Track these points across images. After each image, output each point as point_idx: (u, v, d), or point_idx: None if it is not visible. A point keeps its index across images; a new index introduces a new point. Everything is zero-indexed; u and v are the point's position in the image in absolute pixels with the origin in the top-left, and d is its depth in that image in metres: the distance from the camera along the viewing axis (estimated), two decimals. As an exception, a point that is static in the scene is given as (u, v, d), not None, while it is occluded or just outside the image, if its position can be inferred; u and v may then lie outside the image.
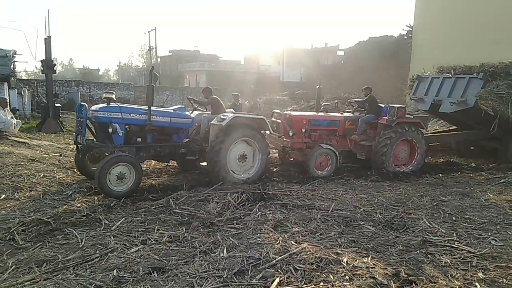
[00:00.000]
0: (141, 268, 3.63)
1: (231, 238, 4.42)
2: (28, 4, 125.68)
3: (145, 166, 8.05)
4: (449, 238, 4.54)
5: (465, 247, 4.28)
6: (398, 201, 6.15)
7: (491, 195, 6.58)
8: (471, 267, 3.79)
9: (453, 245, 4.32)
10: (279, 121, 8.75)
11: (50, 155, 8.81)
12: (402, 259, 3.94)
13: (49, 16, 13.13)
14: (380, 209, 5.68)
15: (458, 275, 3.59)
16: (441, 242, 4.43)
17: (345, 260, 3.71)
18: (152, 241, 4.37)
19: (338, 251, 3.95)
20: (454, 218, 5.34)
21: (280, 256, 3.80)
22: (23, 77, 36.78)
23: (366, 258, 3.82)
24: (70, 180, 6.99)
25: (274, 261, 3.69)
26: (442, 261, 3.89)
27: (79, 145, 6.83)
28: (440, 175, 8.36)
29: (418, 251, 4.16)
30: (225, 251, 4.03)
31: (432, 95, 10.11)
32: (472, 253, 4.11)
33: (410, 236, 4.63)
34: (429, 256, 4.04)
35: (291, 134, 8.27)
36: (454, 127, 11.23)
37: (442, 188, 7.18)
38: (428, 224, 5.03)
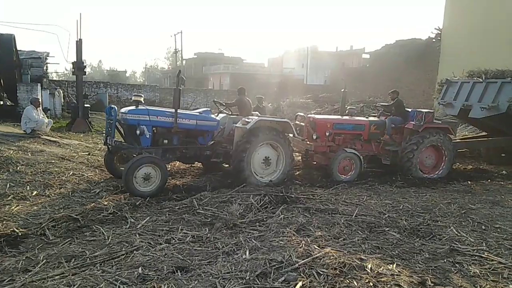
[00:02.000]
0: (165, 266, 3.69)
1: (253, 240, 4.43)
2: (61, 7, 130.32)
3: (169, 166, 8.18)
4: (478, 248, 4.40)
5: (495, 257, 4.13)
6: (424, 208, 6.01)
7: (523, 204, 6.33)
8: (502, 279, 3.66)
9: (483, 255, 4.18)
10: (303, 124, 8.72)
11: (79, 154, 9.10)
12: (429, 267, 3.85)
13: (81, 19, 13.56)
14: (405, 216, 5.56)
15: (488, 286, 3.47)
16: (469, 251, 4.30)
17: (369, 266, 3.65)
18: (176, 241, 4.43)
19: (362, 257, 3.89)
20: (483, 227, 5.17)
21: (303, 260, 3.78)
22: (54, 78, 38.13)
23: (391, 265, 3.75)
24: (98, 178, 7.19)
25: (296, 265, 3.68)
26: (470, 271, 3.77)
27: (109, 146, 7.02)
28: (469, 182, 8.10)
29: (445, 260, 4.05)
30: (247, 253, 4.05)
31: (462, 100, 9.84)
32: (503, 264, 3.96)
33: (436, 244, 4.51)
34: (456, 265, 3.93)
35: (314, 137, 8.22)
36: (484, 133, 10.88)
37: (471, 195, 6.97)
38: (456, 233, 4.88)
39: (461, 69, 11.05)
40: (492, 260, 4.06)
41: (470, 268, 3.84)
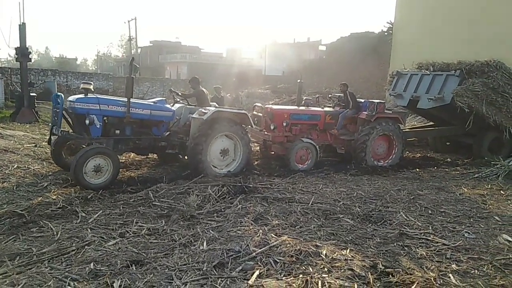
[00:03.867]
0: (119, 261, 3.58)
1: (211, 231, 4.40)
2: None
3: (124, 158, 7.91)
4: (425, 231, 4.66)
5: (440, 239, 4.40)
6: (376, 194, 6.26)
7: (465, 190, 6.78)
8: (446, 259, 3.90)
9: (429, 238, 4.44)
10: (261, 114, 8.75)
11: (25, 145, 8.54)
12: (380, 251, 4.02)
13: (24, 2, 12.67)
14: (359, 203, 5.76)
15: (433, 267, 3.68)
16: (417, 235, 4.54)
17: (324, 252, 3.75)
18: (130, 234, 4.30)
19: (318, 244, 3.99)
20: (430, 212, 5.48)
21: (260, 248, 3.81)
22: (-4, 65, 35.53)
23: (345, 251, 3.88)
24: (46, 171, 6.80)
25: (254, 254, 3.71)
26: (418, 254, 3.99)
27: (54, 136, 6.64)
28: (417, 169, 8.55)
29: (395, 244, 4.24)
30: (205, 244, 4.02)
31: (411, 91, 10.30)
32: (447, 246, 4.23)
33: (387, 229, 4.72)
34: (405, 248, 4.13)
35: (272, 127, 8.27)
36: (431, 123, 11.49)
37: (419, 182, 7.35)
38: (405, 217, 5.14)
39: (411, 62, 11.54)
40: (437, 242, 4.32)
41: (418, 250, 4.06)
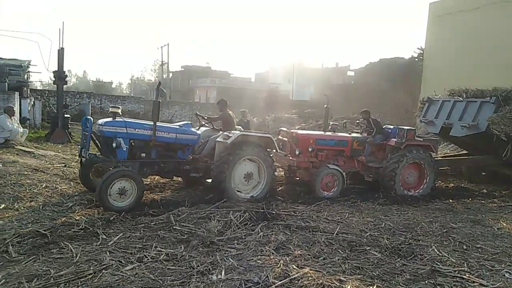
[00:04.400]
0: (134, 287, 3.48)
1: (230, 259, 4.26)
2: (45, 16, 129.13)
3: (149, 180, 7.95)
4: (460, 269, 4.31)
5: (477, 279, 4.05)
6: (406, 226, 5.93)
7: (504, 224, 6.33)
8: (483, 302, 3.57)
9: (464, 276, 4.10)
10: (286, 139, 8.64)
11: (55, 165, 8.78)
12: (409, 289, 3.74)
13: (63, 27, 13.38)
14: (387, 234, 5.46)
15: (469, 310, 3.37)
16: (451, 272, 4.21)
17: (348, 288, 3.52)
18: (148, 259, 4.22)
19: (342, 278, 3.76)
20: (465, 247, 5.10)
21: (280, 281, 3.63)
22: (38, 87, 37.39)
23: (371, 287, 3.62)
24: (72, 191, 6.91)
25: (273, 286, 3.53)
26: (452, 294, 3.68)
27: (83, 158, 6.78)
28: (450, 200, 8.10)
29: (426, 281, 3.95)
30: (223, 272, 3.87)
31: (443, 118, 9.94)
32: (485, 286, 3.89)
33: (418, 265, 4.41)
34: (438, 287, 3.83)
35: (297, 153, 8.13)
36: (465, 152, 10.99)
37: (452, 214, 6.94)
38: (438, 252, 4.80)
39: (442, 88, 11.21)
40: (474, 282, 3.98)
41: (451, 290, 3.75)
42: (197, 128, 7.88)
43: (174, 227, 5.26)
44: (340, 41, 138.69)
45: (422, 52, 22.36)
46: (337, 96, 27.42)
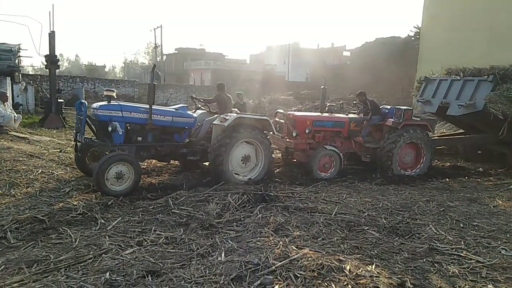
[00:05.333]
0: (135, 271, 3.49)
1: (230, 241, 4.27)
2: None
3: (145, 164, 7.91)
4: (457, 246, 4.37)
5: (474, 256, 4.11)
6: (403, 205, 5.97)
7: (500, 202, 6.39)
8: (481, 278, 3.62)
9: (461, 254, 4.15)
10: (283, 121, 8.59)
11: (50, 151, 8.70)
12: (408, 267, 3.78)
13: (54, 10, 13.04)
14: (385, 214, 5.50)
15: (467, 286, 3.43)
16: (448, 250, 4.26)
17: (347, 267, 3.54)
18: (148, 243, 4.23)
19: (341, 258, 3.78)
20: (461, 225, 5.16)
21: (280, 262, 3.65)
22: (30, 72, 36.85)
23: (370, 266, 3.66)
24: (69, 177, 6.86)
25: (273, 267, 3.54)
26: (449, 271, 3.72)
27: (78, 143, 6.71)
28: (447, 179, 8.16)
29: (424, 260, 3.99)
30: (223, 254, 3.89)
31: (440, 98, 9.90)
32: (481, 263, 3.93)
33: (416, 243, 4.45)
34: (436, 265, 3.87)
35: (294, 134, 8.10)
36: (462, 131, 11.01)
37: (449, 193, 6.99)
38: (435, 231, 4.85)
39: (438, 67, 11.12)
40: (471, 259, 4.03)
41: (449, 268, 3.79)
42: (193, 111, 7.79)
43: (172, 210, 5.26)
44: (335, 20, 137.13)
45: (418, 31, 22.08)
46: (333, 77, 27.31)
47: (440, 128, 12.45)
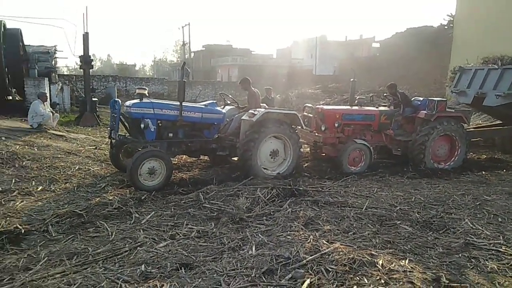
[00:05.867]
0: (168, 263, 3.59)
1: (260, 235, 4.31)
2: (68, 1, 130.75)
3: (176, 160, 8.08)
4: (495, 242, 4.21)
5: (514, 252, 3.95)
6: (437, 199, 5.81)
7: (542, 195, 6.08)
8: (521, 275, 3.47)
9: (500, 249, 4.00)
10: (311, 115, 8.53)
11: (86, 148, 9.05)
12: (443, 262, 3.68)
13: (87, 12, 13.48)
14: (417, 208, 5.37)
15: (507, 283, 3.30)
16: (486, 245, 4.11)
17: (380, 262, 3.49)
18: (180, 236, 4.33)
19: (373, 253, 3.74)
20: (500, 220, 4.96)
21: (311, 256, 3.64)
22: (65, 73, 38.29)
23: (403, 261, 3.59)
24: (104, 172, 7.13)
25: (304, 261, 3.54)
26: (487, 267, 3.60)
27: (113, 140, 6.94)
28: (483, 172, 7.85)
29: (460, 255, 3.87)
30: (253, 248, 3.93)
31: (476, 88, 9.53)
32: (522, 259, 3.78)
33: (451, 238, 4.33)
34: (472, 260, 3.76)
35: (323, 128, 8.03)
36: (499, 122, 10.55)
37: (486, 186, 6.74)
38: (471, 225, 4.70)
39: (474, 56, 10.70)
40: (510, 255, 3.87)
41: (487, 263, 3.67)
42: (222, 107, 7.88)
43: (203, 204, 5.35)
44: (364, 11, 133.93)
45: (452, 19, 21.28)
46: (362, 70, 26.73)
47: (475, 120, 11.99)
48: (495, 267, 3.59)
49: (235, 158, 7.45)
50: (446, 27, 24.42)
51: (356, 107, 8.86)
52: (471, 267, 3.60)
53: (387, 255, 3.73)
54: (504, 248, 4.02)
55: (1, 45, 13.38)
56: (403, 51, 26.65)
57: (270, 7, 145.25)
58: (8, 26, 14.32)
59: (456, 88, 10.27)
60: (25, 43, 15.46)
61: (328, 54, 48.02)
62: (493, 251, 3.96)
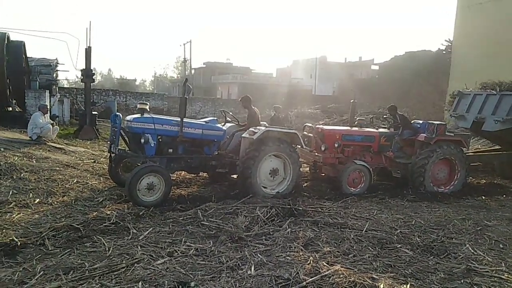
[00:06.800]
0: (166, 281, 3.53)
1: (259, 255, 4.24)
2: (71, 15, 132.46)
3: (175, 176, 8.04)
4: (497, 268, 4.16)
5: (516, 279, 3.90)
6: (437, 223, 5.77)
7: (542, 222, 6.06)
8: (524, 303, 3.43)
9: (502, 277, 3.95)
10: (311, 135, 8.55)
11: (85, 161, 9.00)
12: (445, 288, 3.63)
13: (90, 27, 13.65)
14: (418, 232, 5.33)
15: (510, 311, 3.24)
16: (488, 272, 4.07)
17: (381, 286, 3.45)
18: (178, 254, 4.26)
19: (374, 276, 3.69)
20: (501, 246, 4.93)
21: (311, 277, 3.59)
22: (65, 86, 38.48)
23: (405, 286, 3.55)
24: (102, 186, 7.07)
25: (304, 283, 3.50)
26: (490, 294, 3.55)
27: (112, 154, 6.91)
28: (483, 197, 7.83)
29: (462, 281, 3.83)
30: (253, 268, 3.87)
31: (475, 112, 9.61)
32: (525, 287, 3.73)
33: (452, 263, 4.28)
34: (474, 287, 3.71)
35: (323, 148, 8.04)
36: (498, 147, 10.60)
37: (486, 211, 6.71)
38: (472, 251, 4.65)
39: (472, 81, 10.84)
40: (513, 282, 3.83)
41: (490, 290, 3.62)
42: (223, 124, 7.89)
43: (202, 222, 5.29)
44: (363, 34, 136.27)
45: (450, 44, 21.66)
46: (361, 91, 27.02)
47: (474, 144, 12.05)
48: (498, 294, 3.54)
49: (235, 176, 7.42)
50: (444, 52, 24.84)
51: (356, 128, 8.90)
52: (473, 294, 3.55)
53: (388, 279, 3.68)
54: (506, 276, 3.98)
55: (4, 57, 13.46)
56: (402, 74, 27.01)
57: (270, 27, 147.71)
58: (11, 38, 14.44)
59: (455, 112, 10.36)
60: (28, 55, 15.56)
61: (327, 74, 48.64)
62: (495, 278, 3.92)
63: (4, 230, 4.57)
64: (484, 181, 9.81)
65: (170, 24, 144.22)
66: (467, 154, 9.08)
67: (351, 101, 9.66)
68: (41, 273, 3.60)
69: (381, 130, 9.05)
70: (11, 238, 4.31)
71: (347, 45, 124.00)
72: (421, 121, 8.84)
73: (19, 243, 4.24)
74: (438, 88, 21.72)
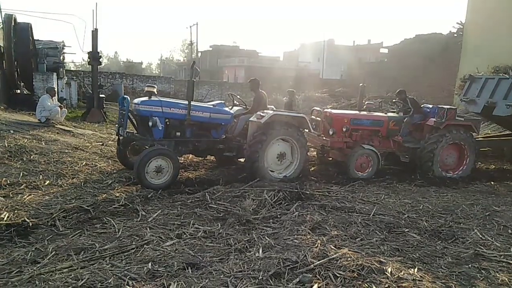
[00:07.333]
0: (175, 262, 3.58)
1: (267, 238, 4.28)
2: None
3: (182, 159, 8.07)
4: (506, 253, 4.15)
5: (525, 264, 3.89)
6: (445, 208, 5.75)
7: (552, 208, 6.01)
8: (532, 288, 3.42)
9: (510, 261, 3.94)
10: (319, 119, 8.49)
11: (93, 144, 9.07)
12: (452, 272, 3.64)
13: (97, 9, 13.55)
14: (426, 216, 5.32)
15: (518, 296, 3.25)
16: (496, 257, 4.06)
17: (389, 270, 3.46)
18: (187, 236, 4.31)
19: (381, 260, 3.70)
20: (510, 231, 4.90)
21: (319, 260, 3.61)
22: (72, 68, 38.49)
23: (412, 269, 3.55)
24: (110, 169, 7.13)
25: (312, 266, 3.51)
26: (498, 279, 3.55)
27: (120, 137, 6.94)
28: (492, 182, 7.78)
29: (470, 265, 3.83)
30: (260, 251, 3.90)
31: (486, 97, 9.44)
32: (533, 272, 3.72)
33: (460, 248, 4.28)
34: (482, 271, 3.71)
35: (331, 132, 7.99)
36: (508, 132, 10.46)
37: (495, 197, 6.67)
38: (480, 236, 4.64)
39: (483, 65, 10.64)
40: (521, 268, 3.82)
41: (498, 275, 3.62)
42: (230, 107, 7.87)
43: (210, 205, 5.33)
44: (372, 16, 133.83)
45: (462, 27, 21.18)
46: (369, 75, 26.66)
47: (484, 129, 11.89)
48: (506, 279, 3.54)
49: (242, 160, 7.43)
50: (455, 35, 24.33)
51: (364, 112, 8.81)
52: (481, 279, 3.55)
53: (396, 263, 3.69)
54: (514, 260, 3.97)
55: (12, 39, 13.45)
56: (411, 57, 26.57)
57: (277, 9, 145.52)
58: (18, 20, 14.40)
59: (465, 97, 10.18)
60: (34, 37, 15.53)
61: (335, 58, 48.06)
62: (503, 263, 3.91)
63: (16, 211, 4.64)
64: (494, 166, 9.73)
65: (176, 6, 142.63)
66: (476, 139, 8.98)
67: (360, 84, 9.54)
68: (53, 253, 3.67)
69: (390, 114, 8.95)
70: (23, 219, 4.38)
71: (355, 29, 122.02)
72: (431, 106, 8.72)
73: (30, 224, 4.31)
74: (448, 72, 21.35)
